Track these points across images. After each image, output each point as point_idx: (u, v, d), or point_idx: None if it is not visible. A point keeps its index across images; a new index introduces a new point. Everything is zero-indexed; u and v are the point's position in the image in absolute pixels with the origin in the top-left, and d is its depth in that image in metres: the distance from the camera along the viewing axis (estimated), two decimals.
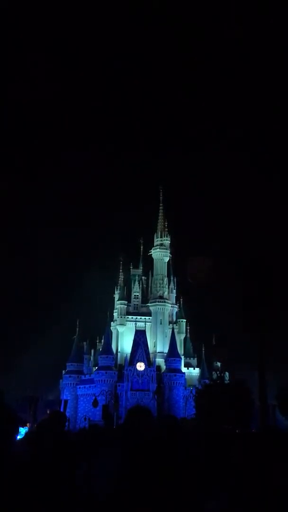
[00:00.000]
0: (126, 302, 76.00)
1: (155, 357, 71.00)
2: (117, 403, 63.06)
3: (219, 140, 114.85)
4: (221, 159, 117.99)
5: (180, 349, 74.08)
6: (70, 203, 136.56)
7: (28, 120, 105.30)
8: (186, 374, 71.06)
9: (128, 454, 3.59)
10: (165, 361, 70.54)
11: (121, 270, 78.26)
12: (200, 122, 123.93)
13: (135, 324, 73.93)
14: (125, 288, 77.12)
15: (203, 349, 73.63)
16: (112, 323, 75.27)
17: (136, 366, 68.15)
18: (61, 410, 46.86)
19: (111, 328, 74.19)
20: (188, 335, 77.32)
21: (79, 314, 75.51)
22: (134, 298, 76.96)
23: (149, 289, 77.79)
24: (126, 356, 69.56)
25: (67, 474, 4.18)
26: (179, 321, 77.57)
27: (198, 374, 72.03)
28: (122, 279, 77.56)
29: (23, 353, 74.41)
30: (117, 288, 77.79)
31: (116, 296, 77.18)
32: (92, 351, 75.33)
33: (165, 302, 75.50)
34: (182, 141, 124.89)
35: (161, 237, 78.40)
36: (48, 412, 27.28)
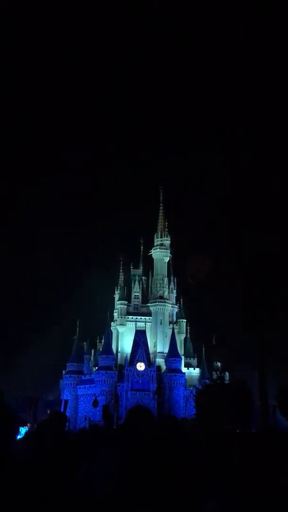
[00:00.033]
0: (126, 302, 75.94)
1: (155, 357, 70.93)
2: (117, 403, 63.05)
3: (219, 140, 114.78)
4: (221, 159, 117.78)
5: (180, 349, 74.03)
6: (70, 203, 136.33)
7: (28, 120, 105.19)
8: (186, 374, 70.96)
9: (128, 454, 3.59)
10: (165, 361, 70.46)
11: (121, 270, 78.21)
12: (200, 122, 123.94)
13: (135, 324, 73.87)
14: (125, 288, 77.07)
15: (203, 349, 73.57)
16: (112, 323, 75.17)
17: (136, 366, 68.09)
18: (61, 410, 46.92)
19: (111, 328, 74.11)
20: (188, 335, 77.22)
21: (79, 314, 75.47)
22: (134, 298, 76.92)
23: (149, 289, 77.72)
24: (126, 356, 69.49)
25: (67, 474, 4.18)
26: (179, 321, 77.50)
27: (198, 374, 71.93)
28: (122, 279, 77.51)
29: (23, 353, 74.28)
30: (117, 288, 77.74)
31: (116, 296, 77.12)
32: (92, 351, 75.25)
33: (165, 302, 75.45)
34: (182, 141, 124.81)
35: (161, 237, 78.33)
36: (48, 412, 27.25)
